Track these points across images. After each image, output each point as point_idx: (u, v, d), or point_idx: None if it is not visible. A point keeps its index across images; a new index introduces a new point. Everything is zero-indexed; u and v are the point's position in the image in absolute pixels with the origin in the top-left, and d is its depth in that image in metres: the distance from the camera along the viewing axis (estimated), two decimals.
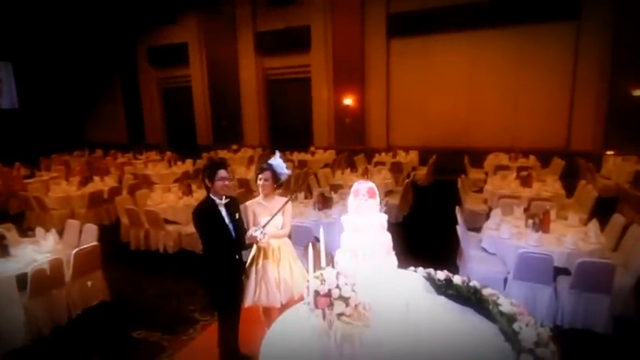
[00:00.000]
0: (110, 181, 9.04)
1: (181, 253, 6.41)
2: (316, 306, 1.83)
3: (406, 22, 12.29)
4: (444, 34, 11.95)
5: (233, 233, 3.06)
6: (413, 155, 11.62)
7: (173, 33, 16.05)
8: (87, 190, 8.14)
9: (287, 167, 3.23)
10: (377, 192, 2.25)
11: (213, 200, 3.04)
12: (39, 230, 5.10)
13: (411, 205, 8.41)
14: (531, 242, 4.33)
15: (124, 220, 6.93)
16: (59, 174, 10.45)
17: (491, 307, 2.42)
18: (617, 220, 4.84)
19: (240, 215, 3.17)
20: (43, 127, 17.28)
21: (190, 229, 6.17)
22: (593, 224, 4.56)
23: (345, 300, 1.83)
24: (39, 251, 4.51)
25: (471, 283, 2.70)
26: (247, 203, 3.33)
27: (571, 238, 4.26)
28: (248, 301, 3.21)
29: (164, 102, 17.81)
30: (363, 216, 2.20)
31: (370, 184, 2.26)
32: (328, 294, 1.83)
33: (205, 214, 2.99)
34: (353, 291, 1.86)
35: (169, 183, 9.28)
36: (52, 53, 17.02)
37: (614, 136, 9.87)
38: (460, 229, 4.85)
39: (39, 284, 4.09)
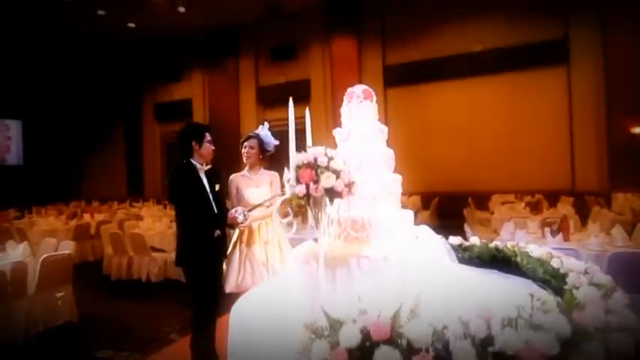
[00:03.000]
0: (100, 217, 8.64)
1: (166, 282, 5.84)
2: (298, 181, 1.43)
3: (402, 73, 12.72)
4: (439, 82, 12.29)
5: (213, 205, 2.70)
6: (415, 199, 11.31)
7: (178, 90, 16.67)
8: (74, 224, 7.73)
9: (275, 138, 2.96)
10: (374, 95, 1.94)
11: (194, 164, 2.72)
12: (10, 243, 4.66)
13: None
14: (552, 246, 3.88)
15: (108, 250, 6.44)
16: (50, 216, 10.05)
17: (519, 258, 1.99)
18: None
19: (221, 187, 2.83)
20: (44, 182, 17.15)
21: None
22: (618, 228, 4.14)
23: (336, 172, 1.44)
24: (4, 259, 4.06)
25: (491, 244, 2.29)
26: (231, 177, 3.03)
27: (596, 241, 3.84)
28: (230, 286, 2.74)
29: (166, 156, 17.93)
30: (357, 121, 1.86)
31: (365, 86, 1.95)
32: (313, 163, 1.44)
33: (184, 176, 2.65)
34: (345, 164, 1.47)
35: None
36: (59, 111, 17.51)
37: (620, 173, 9.59)
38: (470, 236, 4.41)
39: None
